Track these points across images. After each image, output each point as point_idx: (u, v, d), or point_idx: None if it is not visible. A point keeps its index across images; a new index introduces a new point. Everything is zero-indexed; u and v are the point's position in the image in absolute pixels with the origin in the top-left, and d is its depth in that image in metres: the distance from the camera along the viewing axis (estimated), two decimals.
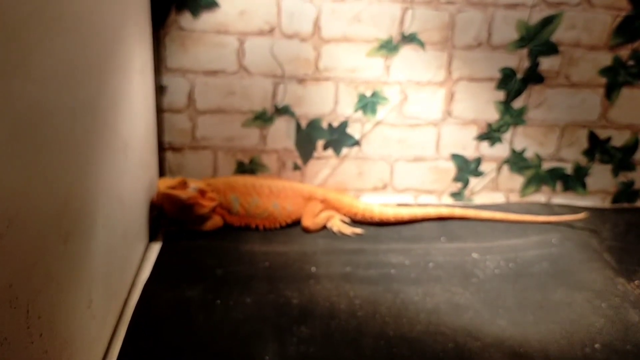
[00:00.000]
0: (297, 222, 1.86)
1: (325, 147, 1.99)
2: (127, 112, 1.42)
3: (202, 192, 1.73)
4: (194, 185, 1.72)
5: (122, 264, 1.40)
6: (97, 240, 1.17)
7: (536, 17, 1.88)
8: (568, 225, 1.93)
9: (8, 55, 0.76)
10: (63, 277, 0.99)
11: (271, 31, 1.83)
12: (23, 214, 0.82)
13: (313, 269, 1.61)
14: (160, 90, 1.85)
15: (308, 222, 1.81)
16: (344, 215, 1.89)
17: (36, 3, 0.85)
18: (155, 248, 1.67)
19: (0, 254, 0.75)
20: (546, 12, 1.88)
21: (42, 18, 0.87)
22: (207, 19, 1.80)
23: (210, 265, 1.60)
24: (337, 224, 1.85)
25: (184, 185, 1.70)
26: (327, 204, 1.88)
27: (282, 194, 1.83)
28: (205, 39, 1.82)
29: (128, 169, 1.44)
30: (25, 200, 0.83)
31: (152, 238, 1.72)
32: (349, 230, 1.83)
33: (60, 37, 0.95)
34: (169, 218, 1.75)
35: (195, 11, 1.79)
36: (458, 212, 1.93)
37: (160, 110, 1.87)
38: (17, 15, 0.79)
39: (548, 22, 1.89)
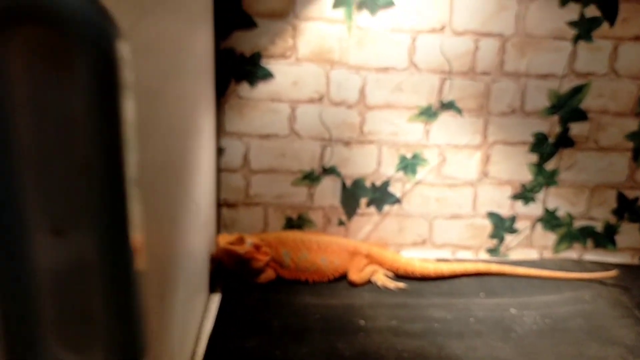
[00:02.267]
0: (343, 276, 1.98)
1: (368, 205, 2.13)
2: (197, 173, 1.58)
3: (257, 247, 1.87)
4: (250, 240, 1.86)
5: (190, 316, 1.54)
6: (179, 296, 1.32)
7: (566, 86, 2.03)
8: (600, 282, 2.03)
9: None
10: (158, 334, 1.13)
11: (320, 99, 2.00)
12: None
13: (362, 322, 1.73)
14: (219, 151, 2.02)
15: (354, 276, 1.94)
16: (387, 269, 2.02)
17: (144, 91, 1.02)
18: (216, 300, 1.81)
19: None
20: (575, 82, 2.03)
21: (149, 101, 1.04)
22: (262, 88, 1.97)
23: (267, 317, 1.73)
24: (382, 278, 1.97)
25: (241, 241, 1.84)
26: (371, 259, 2.01)
27: (329, 249, 1.97)
28: (260, 106, 1.99)
29: (196, 226, 1.59)
30: None
31: (212, 290, 1.86)
32: (392, 284, 1.95)
33: (158, 116, 1.12)
34: (227, 271, 1.89)
35: (253, 82, 1.96)
36: (495, 268, 2.04)
37: (218, 170, 2.04)
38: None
39: (577, 91, 2.04)
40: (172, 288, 1.22)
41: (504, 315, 1.82)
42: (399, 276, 2.02)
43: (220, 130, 2.00)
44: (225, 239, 1.84)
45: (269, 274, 1.91)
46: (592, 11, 1.97)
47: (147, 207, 1.02)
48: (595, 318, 1.82)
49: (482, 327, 1.75)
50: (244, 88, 1.97)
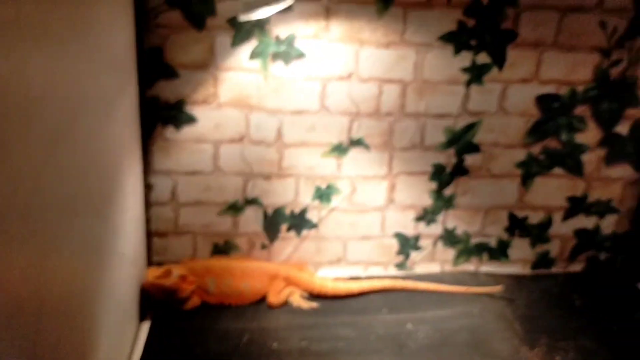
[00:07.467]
0: (263, 299, 2.22)
1: (288, 230, 2.37)
2: (122, 209, 1.78)
3: (183, 278, 2.09)
4: (176, 272, 2.08)
5: (118, 343, 1.76)
6: (104, 327, 1.53)
7: (460, 123, 2.28)
8: (489, 295, 2.33)
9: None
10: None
11: (241, 139, 2.20)
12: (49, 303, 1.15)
13: (275, 344, 1.98)
14: (148, 187, 2.21)
15: (272, 298, 2.19)
16: (304, 290, 2.26)
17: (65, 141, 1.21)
18: (145, 328, 2.03)
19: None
20: (469, 120, 2.28)
21: (73, 147, 1.24)
22: (187, 130, 2.16)
23: (191, 343, 1.96)
24: (297, 299, 2.22)
25: (168, 273, 2.06)
26: (289, 281, 2.25)
27: (251, 274, 2.20)
28: (186, 147, 2.19)
29: (122, 255, 1.79)
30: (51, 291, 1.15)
31: (142, 319, 2.08)
32: (306, 304, 2.20)
33: (85, 158, 1.31)
34: (155, 301, 2.10)
35: (178, 125, 2.15)
36: (399, 284, 2.32)
37: (148, 204, 2.23)
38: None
39: (470, 127, 2.29)
40: (97, 320, 1.44)
41: (401, 330, 2.10)
42: (314, 296, 2.27)
43: (148, 169, 2.19)
44: (153, 273, 2.05)
45: (194, 301, 2.13)
46: (482, 58, 2.21)
47: (67, 243, 1.22)
48: (479, 332, 2.12)
49: (380, 344, 2.02)
50: (170, 131, 2.16)
